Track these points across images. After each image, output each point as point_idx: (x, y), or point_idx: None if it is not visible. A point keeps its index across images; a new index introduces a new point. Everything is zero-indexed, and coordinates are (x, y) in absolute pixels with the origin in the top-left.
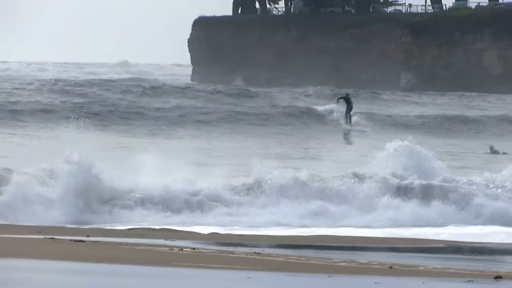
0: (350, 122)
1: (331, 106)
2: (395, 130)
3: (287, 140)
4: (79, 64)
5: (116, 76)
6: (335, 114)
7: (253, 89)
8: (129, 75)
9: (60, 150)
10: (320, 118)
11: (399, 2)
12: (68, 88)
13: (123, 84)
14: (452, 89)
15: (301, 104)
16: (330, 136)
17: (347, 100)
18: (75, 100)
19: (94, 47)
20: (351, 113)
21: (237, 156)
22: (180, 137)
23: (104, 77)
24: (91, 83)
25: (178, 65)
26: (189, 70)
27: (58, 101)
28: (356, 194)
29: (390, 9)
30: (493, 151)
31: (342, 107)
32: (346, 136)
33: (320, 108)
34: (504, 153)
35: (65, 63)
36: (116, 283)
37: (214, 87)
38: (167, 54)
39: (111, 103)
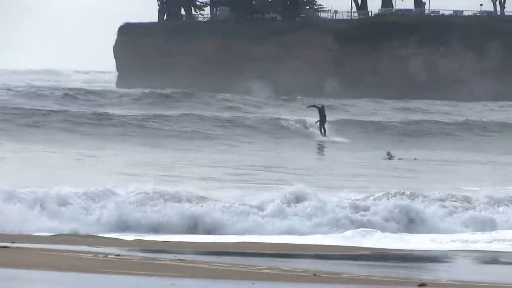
0: (325, 134)
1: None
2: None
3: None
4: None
5: (38, 83)
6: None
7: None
8: (51, 82)
9: None
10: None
11: (325, 9)
12: None
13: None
14: (377, 96)
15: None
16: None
17: (321, 111)
18: None
19: (19, 54)
20: (325, 125)
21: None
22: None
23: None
24: None
25: (103, 72)
26: (114, 77)
27: None
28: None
29: (316, 15)
30: (390, 157)
31: (314, 118)
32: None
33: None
34: (400, 159)
35: None
36: None
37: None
38: (92, 61)
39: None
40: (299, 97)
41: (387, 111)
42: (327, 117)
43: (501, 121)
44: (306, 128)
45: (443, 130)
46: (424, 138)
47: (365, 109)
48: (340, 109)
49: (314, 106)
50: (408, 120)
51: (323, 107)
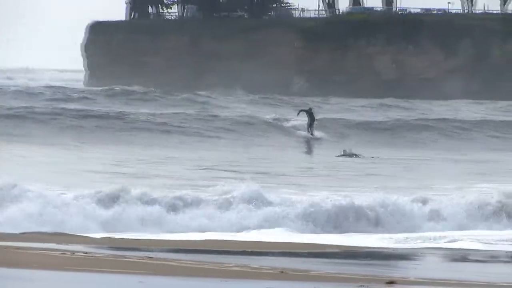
0: (312, 134)
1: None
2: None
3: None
4: None
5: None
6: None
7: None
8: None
9: None
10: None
11: (292, 7)
12: None
13: None
14: (344, 94)
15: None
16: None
17: (310, 114)
18: None
19: None
20: (314, 125)
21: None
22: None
23: None
24: None
25: (72, 70)
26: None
27: None
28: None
29: (283, 13)
30: (346, 154)
31: (303, 119)
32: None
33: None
34: (355, 156)
35: None
36: None
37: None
38: (61, 59)
39: None
40: (268, 95)
41: (368, 109)
42: (315, 119)
43: (472, 119)
44: (277, 126)
45: (431, 127)
46: (417, 136)
47: (340, 107)
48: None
49: (303, 110)
50: (393, 118)
51: (310, 109)
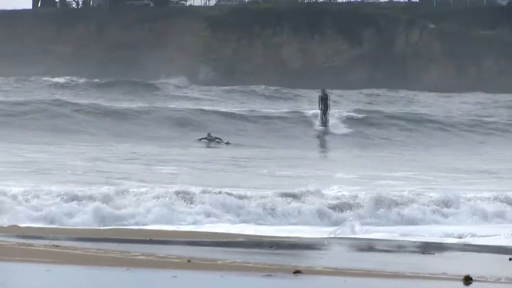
0: (326, 125)
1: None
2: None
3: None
4: None
5: None
6: None
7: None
8: None
9: None
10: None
11: None
12: None
13: None
14: (251, 83)
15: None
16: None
17: (324, 100)
18: None
19: None
20: (328, 114)
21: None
22: None
23: None
24: None
25: None
26: None
27: None
28: None
29: (189, 2)
30: (210, 139)
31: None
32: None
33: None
34: (218, 140)
35: None
36: None
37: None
38: None
39: None
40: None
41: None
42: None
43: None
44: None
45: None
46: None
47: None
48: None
49: (320, 95)
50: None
51: (325, 93)
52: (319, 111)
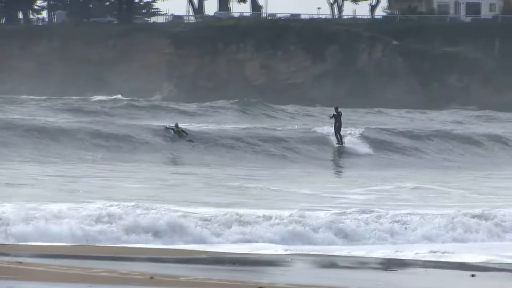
0: (342, 143)
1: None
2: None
3: None
4: None
5: None
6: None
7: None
8: None
9: None
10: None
11: (161, 13)
12: None
13: None
14: (214, 99)
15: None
16: None
17: (337, 118)
18: None
19: None
20: (341, 132)
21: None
22: None
23: None
24: None
25: None
26: None
27: None
28: None
29: (153, 19)
30: (177, 130)
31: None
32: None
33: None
34: (184, 133)
35: None
36: None
37: None
38: None
39: None
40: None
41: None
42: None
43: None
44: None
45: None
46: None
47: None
48: (204, 114)
49: (333, 113)
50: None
51: (338, 110)
52: (332, 130)
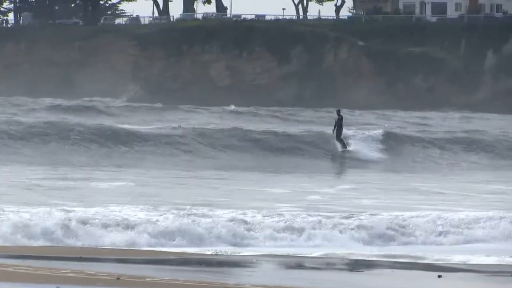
0: (346, 147)
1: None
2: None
3: None
4: None
5: None
6: None
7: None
8: None
9: None
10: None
11: (126, 14)
12: None
13: None
14: (180, 102)
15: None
16: None
17: (338, 121)
18: None
19: None
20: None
21: None
22: None
23: None
24: None
25: None
26: None
27: None
28: None
29: (118, 20)
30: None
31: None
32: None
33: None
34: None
35: None
36: None
37: None
38: None
39: None
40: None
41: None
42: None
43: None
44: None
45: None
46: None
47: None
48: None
49: (337, 117)
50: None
51: (339, 113)
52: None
